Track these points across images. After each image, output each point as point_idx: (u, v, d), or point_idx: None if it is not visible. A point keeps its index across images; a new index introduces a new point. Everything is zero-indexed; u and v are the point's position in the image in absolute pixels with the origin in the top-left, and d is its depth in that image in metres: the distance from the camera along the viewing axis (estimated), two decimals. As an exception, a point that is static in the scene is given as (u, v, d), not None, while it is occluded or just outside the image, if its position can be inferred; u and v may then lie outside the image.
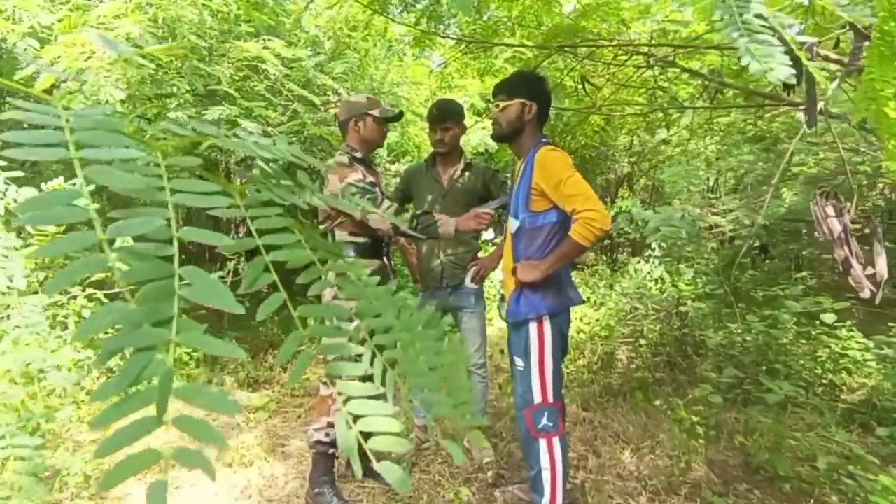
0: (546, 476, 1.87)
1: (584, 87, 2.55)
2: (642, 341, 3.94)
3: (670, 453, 2.58)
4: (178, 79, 2.57)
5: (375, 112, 2.18)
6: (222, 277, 3.64)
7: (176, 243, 0.35)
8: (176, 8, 2.42)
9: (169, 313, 0.32)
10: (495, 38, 2.37)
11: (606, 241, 7.59)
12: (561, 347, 1.92)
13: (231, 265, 3.79)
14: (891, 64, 0.84)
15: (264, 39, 2.99)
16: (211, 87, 2.78)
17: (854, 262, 1.14)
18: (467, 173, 2.51)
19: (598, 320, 4.47)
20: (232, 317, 4.27)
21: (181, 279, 0.33)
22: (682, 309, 3.90)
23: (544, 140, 1.89)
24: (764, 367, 3.08)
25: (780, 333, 3.13)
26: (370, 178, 2.14)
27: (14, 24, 2.36)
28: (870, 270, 1.14)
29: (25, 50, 2.27)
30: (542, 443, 1.87)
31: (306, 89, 3.40)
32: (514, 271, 1.88)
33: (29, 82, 2.31)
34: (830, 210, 1.17)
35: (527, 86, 1.90)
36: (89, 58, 2.37)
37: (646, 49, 2.06)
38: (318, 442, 2.18)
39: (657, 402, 3.06)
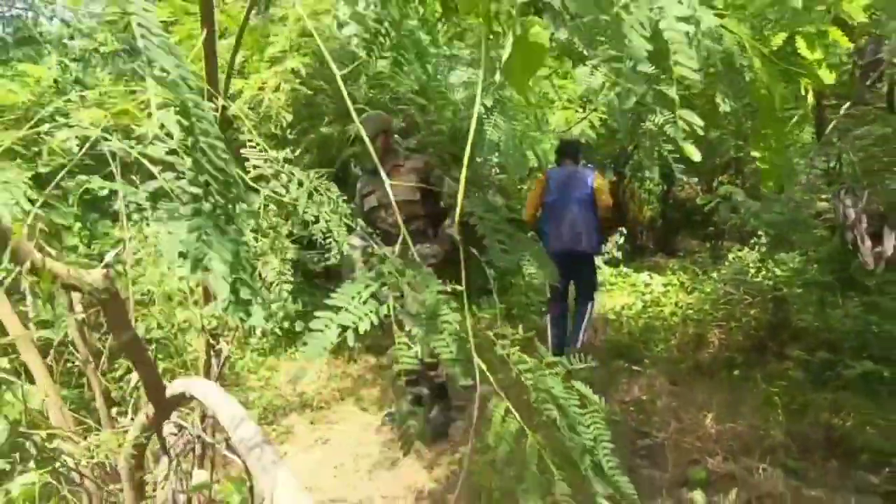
0: None
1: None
2: (734, 324, 4.03)
3: (752, 422, 2.78)
4: (327, 100, 3.22)
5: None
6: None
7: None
8: (331, 42, 3.04)
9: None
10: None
11: (710, 229, 7.40)
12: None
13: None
14: None
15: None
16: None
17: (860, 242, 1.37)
18: None
19: (690, 304, 4.60)
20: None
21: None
22: (779, 294, 3.93)
23: None
24: (860, 353, 3.10)
25: (881, 319, 3.12)
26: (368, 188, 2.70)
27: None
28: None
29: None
30: None
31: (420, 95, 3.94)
32: None
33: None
34: (849, 202, 1.40)
35: None
36: (261, 88, 3.08)
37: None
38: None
39: (743, 379, 3.22)
